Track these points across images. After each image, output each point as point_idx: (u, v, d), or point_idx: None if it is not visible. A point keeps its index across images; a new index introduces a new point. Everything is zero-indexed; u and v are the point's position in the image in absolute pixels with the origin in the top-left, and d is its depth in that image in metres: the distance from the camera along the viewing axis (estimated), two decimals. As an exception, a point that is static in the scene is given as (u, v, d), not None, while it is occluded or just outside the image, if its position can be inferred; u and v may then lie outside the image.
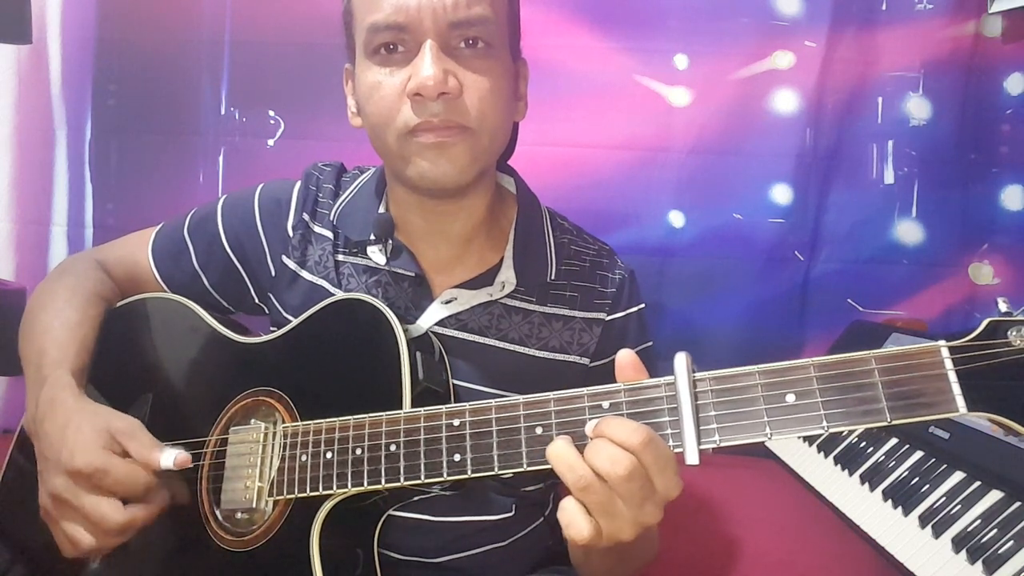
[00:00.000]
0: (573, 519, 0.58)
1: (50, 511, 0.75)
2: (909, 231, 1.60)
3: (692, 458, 0.58)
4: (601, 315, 0.88)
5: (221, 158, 1.64)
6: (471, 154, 0.77)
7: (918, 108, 1.57)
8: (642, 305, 0.93)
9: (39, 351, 0.83)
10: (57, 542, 0.75)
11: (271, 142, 1.63)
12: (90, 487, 0.72)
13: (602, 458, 0.57)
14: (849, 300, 1.61)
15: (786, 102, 1.57)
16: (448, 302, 0.85)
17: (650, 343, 0.93)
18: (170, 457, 0.73)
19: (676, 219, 1.60)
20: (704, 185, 1.58)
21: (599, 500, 0.58)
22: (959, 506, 1.00)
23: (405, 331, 0.75)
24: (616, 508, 0.58)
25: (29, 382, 0.83)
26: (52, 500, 0.74)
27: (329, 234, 0.91)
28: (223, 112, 1.63)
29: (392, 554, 0.84)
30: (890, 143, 1.58)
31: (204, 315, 0.90)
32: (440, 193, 0.81)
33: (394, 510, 0.78)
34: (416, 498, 0.78)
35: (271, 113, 1.62)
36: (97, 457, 0.72)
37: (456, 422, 0.66)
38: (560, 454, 0.59)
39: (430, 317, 0.84)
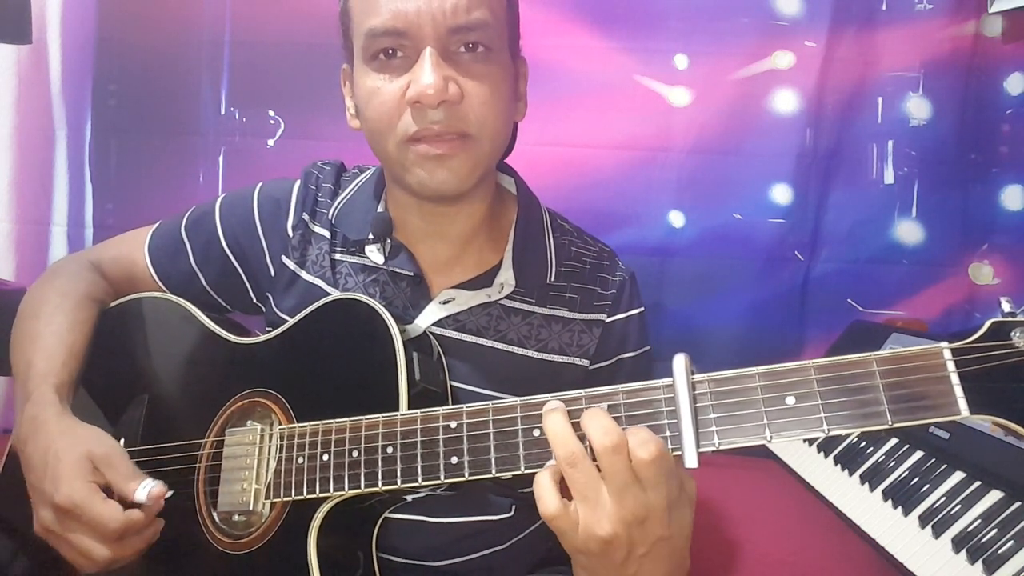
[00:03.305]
0: (544, 493, 0.58)
1: (47, 539, 0.75)
2: (909, 231, 1.60)
3: (691, 461, 0.57)
4: (601, 317, 0.88)
5: (221, 158, 1.64)
6: (471, 163, 0.76)
7: (918, 108, 1.57)
8: (642, 308, 0.92)
9: (27, 363, 0.82)
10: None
11: (271, 142, 1.63)
12: (74, 522, 0.72)
13: (594, 427, 0.57)
14: (849, 300, 1.61)
15: (786, 102, 1.57)
16: (446, 302, 0.84)
17: (648, 347, 0.93)
18: (144, 491, 0.72)
19: (676, 219, 1.60)
20: (704, 185, 1.58)
21: (583, 480, 0.57)
22: (959, 506, 1.00)
23: (402, 331, 0.74)
24: (597, 492, 0.57)
25: (17, 397, 0.82)
26: (43, 531, 0.74)
27: (327, 233, 0.90)
28: (223, 112, 1.63)
29: (392, 558, 0.83)
30: (890, 143, 1.58)
31: (199, 315, 0.89)
32: (439, 200, 0.81)
33: (392, 512, 0.78)
34: (411, 498, 0.77)
35: (271, 113, 1.62)
36: (76, 492, 0.71)
37: (453, 424, 0.66)
38: (556, 429, 0.59)
39: (428, 317, 0.84)
